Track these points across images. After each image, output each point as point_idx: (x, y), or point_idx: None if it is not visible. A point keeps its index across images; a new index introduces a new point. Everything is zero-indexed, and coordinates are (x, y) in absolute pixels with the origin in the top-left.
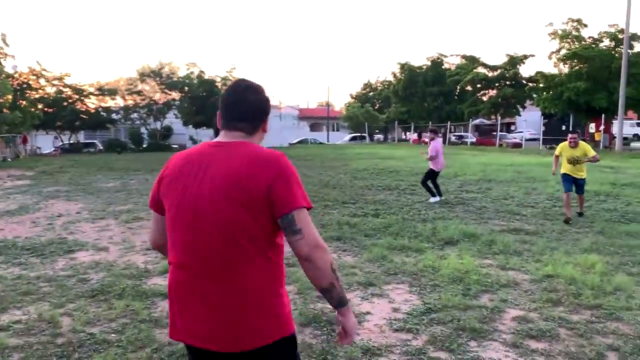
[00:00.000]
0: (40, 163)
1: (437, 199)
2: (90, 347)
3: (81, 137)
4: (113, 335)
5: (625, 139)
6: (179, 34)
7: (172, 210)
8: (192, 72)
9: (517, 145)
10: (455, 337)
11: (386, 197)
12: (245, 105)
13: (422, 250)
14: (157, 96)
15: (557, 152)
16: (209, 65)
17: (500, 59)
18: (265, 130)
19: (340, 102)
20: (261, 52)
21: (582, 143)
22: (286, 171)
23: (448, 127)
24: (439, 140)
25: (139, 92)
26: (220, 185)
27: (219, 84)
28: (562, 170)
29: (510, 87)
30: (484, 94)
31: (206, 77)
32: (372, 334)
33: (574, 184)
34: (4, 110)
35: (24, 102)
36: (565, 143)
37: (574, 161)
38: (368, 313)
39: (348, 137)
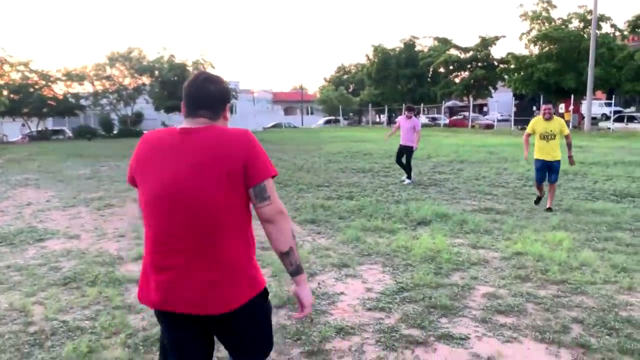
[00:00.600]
0: (7, 151)
1: (411, 180)
2: (64, 334)
3: (49, 124)
4: (86, 322)
5: (594, 118)
6: (147, 18)
7: (146, 195)
8: (162, 57)
9: (489, 127)
10: (426, 314)
11: (360, 180)
12: (206, 94)
13: (395, 231)
14: (127, 81)
15: (528, 129)
16: (180, 49)
17: (472, 41)
18: (227, 118)
19: (314, 86)
20: (234, 36)
21: (557, 118)
22: (256, 145)
23: (421, 109)
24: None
25: (108, 77)
26: (195, 166)
27: (190, 68)
28: (535, 154)
29: (482, 69)
30: (457, 76)
31: (177, 61)
32: (345, 314)
33: (547, 170)
34: None
35: None
36: (539, 117)
37: (548, 136)
38: (342, 293)
39: (322, 120)
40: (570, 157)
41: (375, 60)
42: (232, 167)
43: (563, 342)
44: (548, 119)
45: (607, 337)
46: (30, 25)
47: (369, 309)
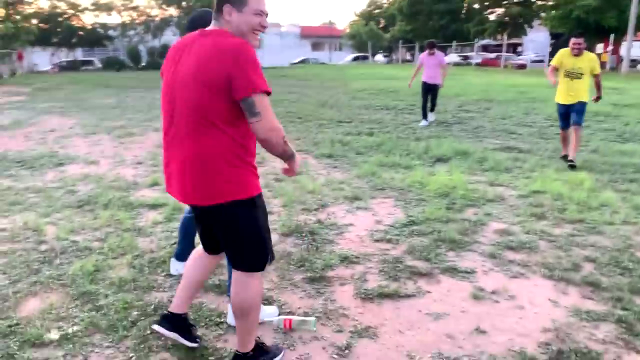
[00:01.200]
0: (37, 80)
1: (427, 122)
2: (72, 253)
3: (79, 54)
4: (96, 243)
5: (633, 60)
6: None
7: (163, 87)
8: None
9: (522, 67)
10: (433, 247)
11: (383, 117)
12: None
13: (412, 167)
14: (155, 12)
15: (554, 62)
16: None
17: None
18: (228, 20)
19: (345, 21)
20: None
21: (588, 53)
22: (242, 59)
23: (453, 46)
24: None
25: (135, 8)
26: (189, 68)
27: None
28: (557, 97)
29: (518, 5)
30: (491, 12)
31: None
32: (352, 244)
33: (572, 113)
34: None
35: (17, 16)
36: (566, 50)
37: (574, 75)
38: (350, 225)
39: (350, 57)
40: (598, 97)
41: None
42: (215, 79)
43: (572, 280)
44: (577, 54)
45: (619, 276)
46: None
47: (376, 240)
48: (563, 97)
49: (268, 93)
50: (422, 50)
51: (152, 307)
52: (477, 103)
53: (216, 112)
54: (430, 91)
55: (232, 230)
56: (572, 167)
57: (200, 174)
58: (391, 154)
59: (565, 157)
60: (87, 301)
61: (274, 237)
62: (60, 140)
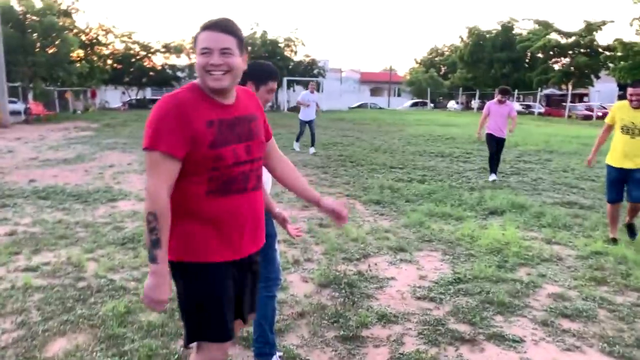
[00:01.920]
0: (107, 117)
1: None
2: (107, 292)
3: (148, 93)
4: (132, 282)
5: None
6: None
7: None
8: (255, 32)
9: (588, 117)
10: (480, 309)
11: (437, 164)
12: None
13: (463, 219)
14: None
15: (608, 119)
16: (273, 25)
17: (576, 25)
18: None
19: (404, 67)
20: (326, 14)
21: None
22: (151, 113)
23: (515, 95)
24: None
25: None
26: None
27: (282, 45)
28: (609, 158)
29: (585, 56)
30: (556, 62)
31: (269, 37)
32: (392, 300)
33: (626, 184)
34: (75, 63)
35: (94, 57)
36: (623, 102)
37: (635, 132)
38: (392, 279)
39: (409, 102)
40: None
41: (470, 42)
42: None
43: (635, 358)
44: (638, 107)
45: None
46: None
47: (418, 298)
48: (618, 158)
49: (164, 152)
50: (482, 97)
51: (176, 356)
52: (537, 154)
53: None
54: (496, 145)
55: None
56: (632, 234)
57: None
58: (442, 204)
59: (613, 241)
60: (113, 345)
61: (311, 287)
62: (117, 175)
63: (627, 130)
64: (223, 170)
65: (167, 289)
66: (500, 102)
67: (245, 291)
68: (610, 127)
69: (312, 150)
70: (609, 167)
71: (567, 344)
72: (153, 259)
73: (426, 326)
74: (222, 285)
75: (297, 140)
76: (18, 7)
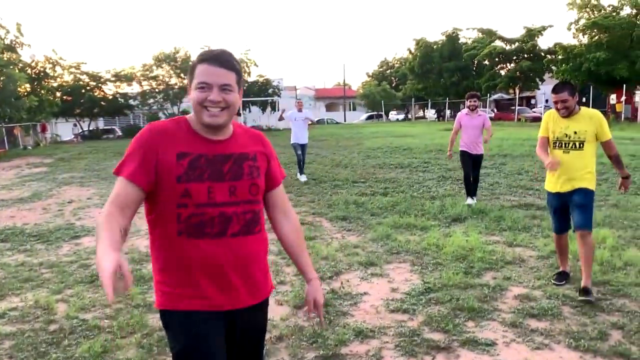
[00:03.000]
0: (60, 150)
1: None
2: (81, 333)
3: (100, 123)
4: (105, 320)
5: None
6: (192, 17)
7: None
8: None
9: (536, 119)
10: (452, 317)
11: (397, 175)
12: None
13: (427, 228)
14: (173, 81)
15: (542, 130)
16: (223, 46)
17: (517, 32)
18: (189, 100)
19: (357, 81)
20: (275, 33)
21: (588, 110)
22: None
23: (466, 103)
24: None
25: (154, 78)
26: None
27: None
28: (546, 184)
29: (529, 60)
30: (502, 68)
31: None
32: (367, 316)
33: (571, 211)
34: (23, 98)
35: (42, 91)
36: (551, 112)
37: (568, 144)
38: (365, 294)
39: (364, 116)
40: (624, 179)
41: (418, 54)
42: None
43: (600, 350)
44: (566, 115)
45: None
46: (80, 27)
47: (392, 311)
48: (554, 181)
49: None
50: (436, 106)
51: None
52: (491, 159)
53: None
54: (473, 163)
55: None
56: (587, 301)
57: None
58: (406, 215)
59: (561, 275)
60: None
61: (286, 309)
62: (78, 211)
63: (560, 144)
64: (193, 209)
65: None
66: (472, 110)
67: (233, 349)
68: (544, 140)
69: (303, 177)
70: (548, 193)
71: (537, 342)
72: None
73: (402, 338)
74: (194, 337)
75: (301, 170)
76: None
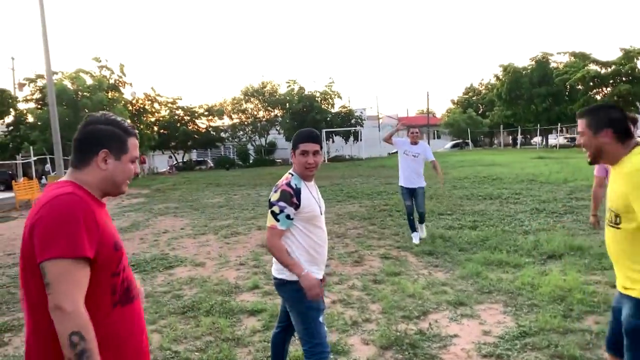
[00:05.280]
0: (156, 182)
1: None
2: None
3: (194, 155)
4: (196, 353)
5: None
6: (278, 51)
7: None
8: (292, 89)
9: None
10: None
11: (486, 207)
12: (77, 135)
13: (521, 266)
14: (261, 114)
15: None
16: (308, 80)
17: (614, 54)
18: (103, 168)
19: (441, 109)
20: (359, 64)
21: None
22: (51, 214)
23: (558, 129)
24: None
25: (244, 111)
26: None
27: (318, 99)
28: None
29: (627, 84)
30: (597, 92)
31: (306, 92)
32: None
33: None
34: None
35: (141, 126)
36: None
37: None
38: (455, 336)
39: (449, 144)
40: None
41: (505, 80)
42: (26, 242)
43: None
44: (590, 162)
45: None
46: (176, 64)
47: (484, 356)
48: None
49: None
50: (525, 133)
51: None
52: (588, 189)
53: (29, 287)
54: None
55: None
56: None
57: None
58: (497, 251)
59: None
60: None
61: (372, 349)
62: (172, 241)
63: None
64: (123, 275)
65: None
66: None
67: None
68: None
69: (421, 230)
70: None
71: None
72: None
73: None
74: None
75: (412, 226)
76: (71, 86)
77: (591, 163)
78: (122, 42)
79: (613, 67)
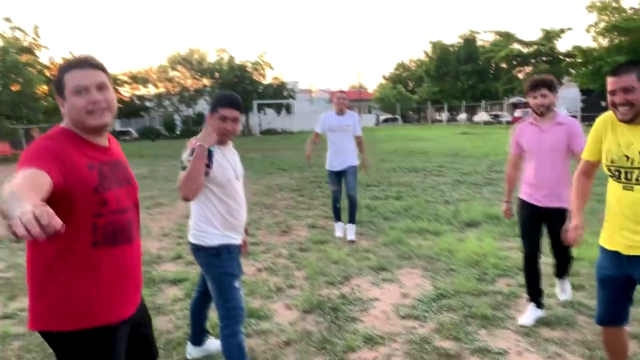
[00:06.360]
0: None
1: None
2: None
3: (117, 125)
4: None
5: None
6: (207, 19)
7: None
8: (222, 58)
9: None
10: (464, 325)
11: (411, 179)
12: None
13: (440, 233)
14: (189, 83)
15: (585, 150)
16: (239, 50)
17: (535, 34)
18: (65, 112)
19: (373, 84)
20: (292, 36)
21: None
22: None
23: (482, 106)
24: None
25: (170, 80)
26: None
27: (249, 69)
28: (602, 235)
29: (547, 63)
30: (520, 71)
31: (236, 62)
32: (377, 321)
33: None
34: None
35: None
36: (609, 114)
37: (634, 173)
38: (376, 299)
39: (380, 119)
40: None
41: (434, 56)
42: None
43: None
44: (629, 120)
45: None
46: (96, 28)
47: (403, 317)
48: (616, 234)
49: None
50: (451, 110)
51: None
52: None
53: None
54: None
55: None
56: None
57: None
58: (419, 219)
59: None
60: None
61: (295, 314)
62: None
63: (618, 173)
64: (108, 217)
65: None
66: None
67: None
68: (590, 168)
69: (350, 232)
70: (601, 251)
71: (550, 352)
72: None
73: (412, 345)
74: (113, 352)
75: (336, 214)
76: None
77: (629, 121)
78: (38, 3)
79: (535, 46)
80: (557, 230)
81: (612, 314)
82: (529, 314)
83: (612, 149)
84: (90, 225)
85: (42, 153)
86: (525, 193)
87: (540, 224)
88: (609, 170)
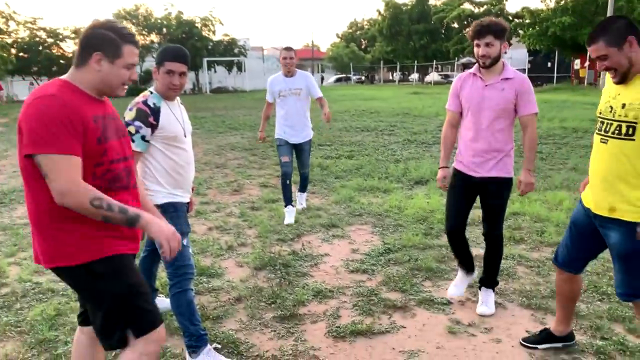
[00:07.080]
0: (15, 110)
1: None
2: (34, 296)
3: None
4: (60, 284)
5: None
6: None
7: None
8: (169, 13)
9: None
10: (410, 277)
11: (363, 139)
12: (80, 36)
13: (390, 191)
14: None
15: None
16: (188, 5)
17: None
18: (97, 69)
19: (327, 43)
20: None
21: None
22: (35, 114)
23: (434, 66)
24: None
25: None
26: None
27: (198, 25)
28: (584, 195)
29: None
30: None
31: (185, 18)
32: (326, 276)
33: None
34: None
35: None
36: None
37: (609, 127)
38: (326, 255)
39: (333, 78)
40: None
41: (387, 15)
42: (19, 136)
43: (551, 308)
44: (619, 82)
45: (598, 302)
46: None
47: (352, 271)
48: (601, 177)
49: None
50: (403, 70)
51: (113, 354)
52: None
53: (26, 168)
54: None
55: (79, 291)
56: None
57: (33, 234)
58: (370, 178)
59: (550, 336)
60: (45, 349)
61: (246, 271)
62: None
63: (602, 125)
64: (107, 166)
65: (166, 224)
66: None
67: None
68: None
69: (301, 200)
70: (580, 201)
71: None
72: (134, 219)
73: (360, 298)
74: (135, 272)
75: (287, 196)
76: None
77: (620, 82)
78: None
79: (485, 7)
80: (493, 204)
81: (566, 258)
82: (458, 283)
83: (604, 99)
84: (90, 172)
85: (62, 130)
86: (457, 161)
87: (473, 197)
88: (598, 122)
